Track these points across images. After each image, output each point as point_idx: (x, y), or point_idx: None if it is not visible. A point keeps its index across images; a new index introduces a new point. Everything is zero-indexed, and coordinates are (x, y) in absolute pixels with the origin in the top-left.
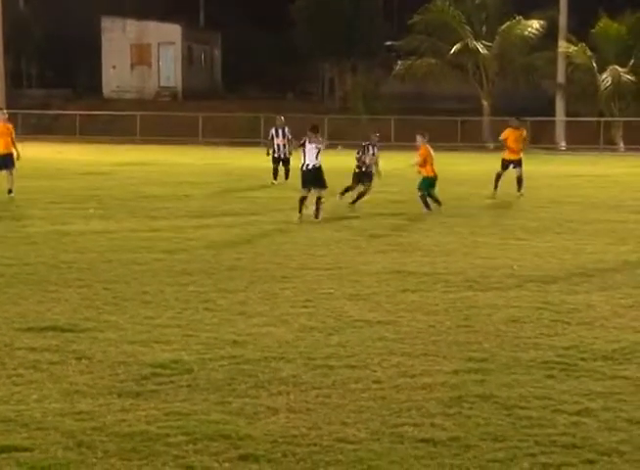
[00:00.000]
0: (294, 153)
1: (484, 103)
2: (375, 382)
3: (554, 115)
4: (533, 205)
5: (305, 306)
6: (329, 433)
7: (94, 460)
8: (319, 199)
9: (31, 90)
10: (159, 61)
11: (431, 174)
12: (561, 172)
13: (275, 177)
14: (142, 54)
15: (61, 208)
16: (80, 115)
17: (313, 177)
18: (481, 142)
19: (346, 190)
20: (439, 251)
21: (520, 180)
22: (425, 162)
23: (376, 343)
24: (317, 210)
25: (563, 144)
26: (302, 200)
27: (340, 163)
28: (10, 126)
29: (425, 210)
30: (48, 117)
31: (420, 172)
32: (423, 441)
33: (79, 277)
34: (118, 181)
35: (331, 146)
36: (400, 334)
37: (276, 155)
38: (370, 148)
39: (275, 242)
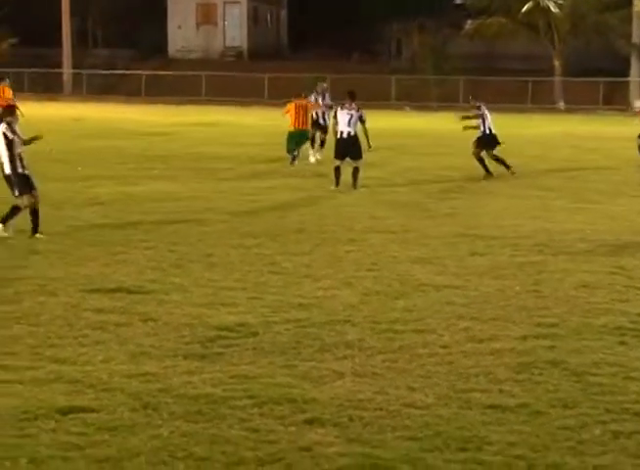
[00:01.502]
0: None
1: (556, 63)
2: (442, 347)
3: (628, 75)
4: (606, 167)
5: (371, 270)
6: (395, 398)
7: (160, 422)
8: (356, 169)
9: (97, 50)
10: (224, 20)
11: (291, 129)
12: (635, 134)
13: (312, 145)
14: (207, 13)
15: (126, 168)
16: (146, 75)
17: (347, 146)
18: (552, 103)
19: (503, 162)
20: (508, 214)
21: None
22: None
23: (443, 307)
24: (354, 180)
25: (638, 105)
26: (337, 170)
27: (409, 124)
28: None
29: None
30: (113, 76)
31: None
32: (491, 407)
33: (145, 239)
34: (184, 142)
35: (398, 107)
36: (468, 298)
37: (314, 117)
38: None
39: (340, 204)
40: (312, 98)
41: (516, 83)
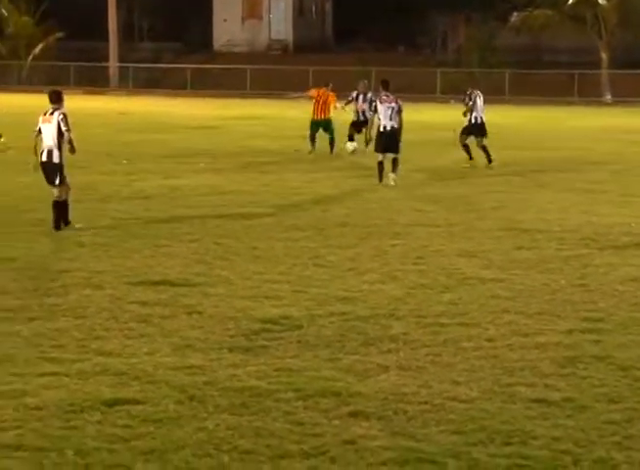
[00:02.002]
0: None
1: (603, 55)
2: (487, 340)
3: None
4: None
5: (416, 263)
6: (440, 391)
7: (205, 415)
8: (395, 160)
9: (143, 43)
10: (269, 13)
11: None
12: None
13: (351, 139)
14: (253, 7)
15: (172, 162)
16: (191, 68)
17: (388, 140)
18: (599, 96)
19: (488, 154)
20: (554, 208)
21: None
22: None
23: (488, 301)
24: (394, 169)
25: None
26: (380, 165)
27: (454, 118)
28: None
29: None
30: (159, 70)
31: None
32: (536, 401)
33: (190, 232)
34: (229, 135)
35: (443, 100)
36: (514, 292)
37: (355, 118)
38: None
39: (385, 198)
40: (353, 95)
41: (562, 76)
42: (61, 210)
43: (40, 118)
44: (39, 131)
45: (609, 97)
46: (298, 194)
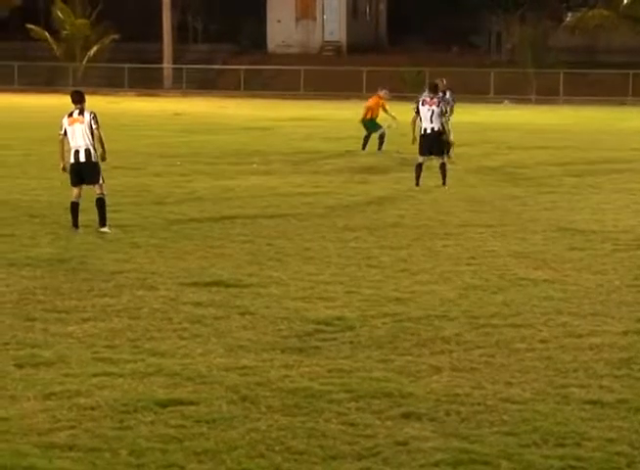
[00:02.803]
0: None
1: None
2: (540, 342)
3: None
4: None
5: (469, 264)
6: (493, 392)
7: (258, 415)
8: (443, 165)
9: (196, 45)
10: (323, 14)
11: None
12: None
13: None
14: (307, 7)
15: (224, 162)
16: (244, 69)
17: (431, 143)
18: None
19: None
20: (609, 208)
21: None
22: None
23: (541, 302)
24: (443, 177)
25: None
26: (418, 167)
27: (507, 118)
28: None
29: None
30: (212, 71)
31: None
32: (590, 402)
33: (242, 233)
34: (282, 136)
35: (497, 101)
36: (567, 293)
37: None
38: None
39: (437, 199)
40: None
41: (617, 76)
42: (104, 206)
43: (65, 120)
44: (65, 133)
45: None
46: (351, 195)
